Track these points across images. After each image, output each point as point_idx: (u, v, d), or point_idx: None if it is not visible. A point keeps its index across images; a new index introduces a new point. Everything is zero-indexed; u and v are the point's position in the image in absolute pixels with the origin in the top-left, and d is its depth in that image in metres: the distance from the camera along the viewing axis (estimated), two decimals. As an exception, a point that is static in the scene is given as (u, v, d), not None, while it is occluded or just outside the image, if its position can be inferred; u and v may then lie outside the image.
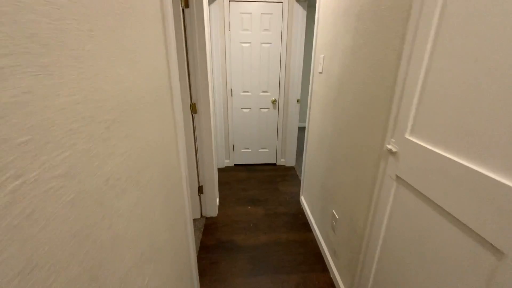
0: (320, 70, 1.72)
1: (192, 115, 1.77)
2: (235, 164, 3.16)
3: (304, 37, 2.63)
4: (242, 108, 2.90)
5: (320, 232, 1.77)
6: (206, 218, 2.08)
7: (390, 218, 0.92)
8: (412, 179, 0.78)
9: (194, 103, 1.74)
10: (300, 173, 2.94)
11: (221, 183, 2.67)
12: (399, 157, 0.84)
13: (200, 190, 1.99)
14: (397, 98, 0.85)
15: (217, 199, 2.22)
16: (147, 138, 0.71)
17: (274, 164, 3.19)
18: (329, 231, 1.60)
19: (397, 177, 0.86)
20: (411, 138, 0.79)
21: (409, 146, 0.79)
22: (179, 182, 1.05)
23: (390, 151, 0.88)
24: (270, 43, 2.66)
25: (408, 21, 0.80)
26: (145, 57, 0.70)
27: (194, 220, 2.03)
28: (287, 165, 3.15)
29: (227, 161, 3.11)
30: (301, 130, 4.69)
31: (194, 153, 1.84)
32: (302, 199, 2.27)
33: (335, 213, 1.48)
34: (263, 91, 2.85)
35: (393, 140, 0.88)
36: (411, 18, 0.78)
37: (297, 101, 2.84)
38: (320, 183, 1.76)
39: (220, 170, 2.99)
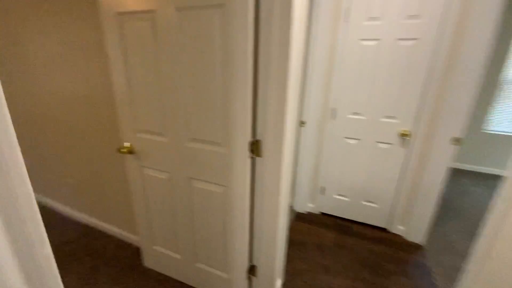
0: None
1: (253, 158, 1.06)
2: (321, 213, 2.23)
3: (495, 18, 1.36)
4: (346, 138, 1.94)
5: None
6: (256, 311, 1.33)
7: None
8: None
9: (258, 141, 1.01)
10: (436, 265, 1.66)
11: (292, 243, 1.85)
12: None
13: (252, 271, 1.26)
14: None
15: (279, 283, 1.42)
16: None
17: (385, 230, 2.02)
18: None
19: None
20: None
21: None
22: None
23: None
24: (416, 39, 1.56)
25: None
26: None
27: (238, 308, 1.33)
28: (409, 238, 1.91)
29: (310, 205, 2.23)
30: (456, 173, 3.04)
31: (248, 217, 1.12)
32: None
33: None
34: (387, 116, 1.77)
35: None
36: None
37: (455, 141, 1.58)
38: None
39: (297, 218, 2.16)
